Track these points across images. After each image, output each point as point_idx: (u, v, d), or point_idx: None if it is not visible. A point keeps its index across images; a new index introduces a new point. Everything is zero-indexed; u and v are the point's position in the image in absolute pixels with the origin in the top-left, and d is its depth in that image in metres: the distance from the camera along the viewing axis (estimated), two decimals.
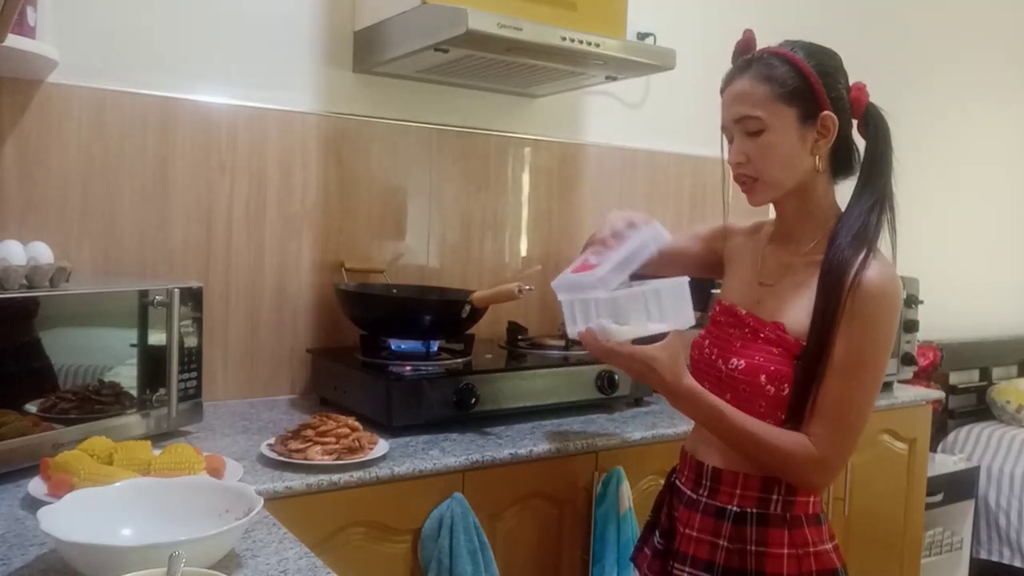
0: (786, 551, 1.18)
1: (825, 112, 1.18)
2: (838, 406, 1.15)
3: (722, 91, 1.26)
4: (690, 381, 1.15)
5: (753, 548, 1.19)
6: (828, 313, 1.15)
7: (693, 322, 1.14)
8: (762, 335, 1.22)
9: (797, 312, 1.20)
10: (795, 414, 1.17)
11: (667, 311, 1.12)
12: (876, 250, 1.18)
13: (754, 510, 1.21)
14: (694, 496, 1.27)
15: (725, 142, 1.27)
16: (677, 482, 1.34)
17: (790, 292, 1.23)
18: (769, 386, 1.18)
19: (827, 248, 1.20)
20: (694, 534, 1.25)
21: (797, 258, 1.25)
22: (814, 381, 1.15)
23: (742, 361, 1.21)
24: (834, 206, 1.27)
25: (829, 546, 1.23)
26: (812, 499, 1.22)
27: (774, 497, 1.20)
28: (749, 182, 1.22)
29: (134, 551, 0.90)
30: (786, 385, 1.17)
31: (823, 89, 1.18)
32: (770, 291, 1.26)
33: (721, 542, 1.21)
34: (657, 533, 1.34)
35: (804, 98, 1.18)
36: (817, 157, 1.21)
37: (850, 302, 1.14)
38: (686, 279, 1.14)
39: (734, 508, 1.22)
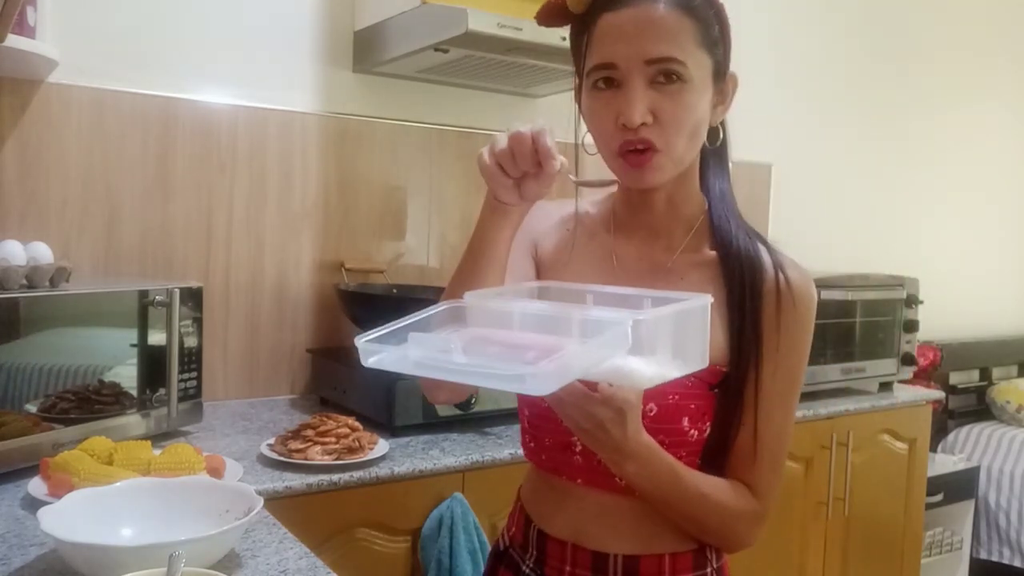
0: None
1: (732, 71, 0.94)
2: (776, 443, 0.92)
3: (582, 11, 0.91)
4: (647, 435, 0.84)
5: None
6: (755, 327, 0.91)
7: (707, 364, 0.82)
8: None
9: None
10: (713, 457, 0.93)
11: (688, 345, 0.79)
12: (773, 244, 0.96)
13: None
14: None
15: (587, 93, 0.91)
16: None
17: None
18: (692, 430, 0.90)
19: (722, 244, 0.94)
20: None
21: (674, 256, 0.96)
22: (739, 414, 0.91)
23: (652, 404, 0.88)
24: (700, 193, 0.99)
25: None
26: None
27: (708, 570, 0.96)
28: (648, 152, 0.87)
29: (134, 551, 0.90)
30: (707, 424, 0.92)
31: (730, 39, 0.92)
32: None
33: None
34: None
35: (718, 48, 0.91)
36: (719, 128, 0.95)
37: (780, 313, 0.91)
38: (710, 298, 0.81)
39: None
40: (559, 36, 1.77)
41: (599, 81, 0.89)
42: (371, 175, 2.09)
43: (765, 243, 0.95)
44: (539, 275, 1.02)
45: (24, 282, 1.32)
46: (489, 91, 2.24)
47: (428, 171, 2.18)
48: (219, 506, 1.06)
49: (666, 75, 0.86)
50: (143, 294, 1.49)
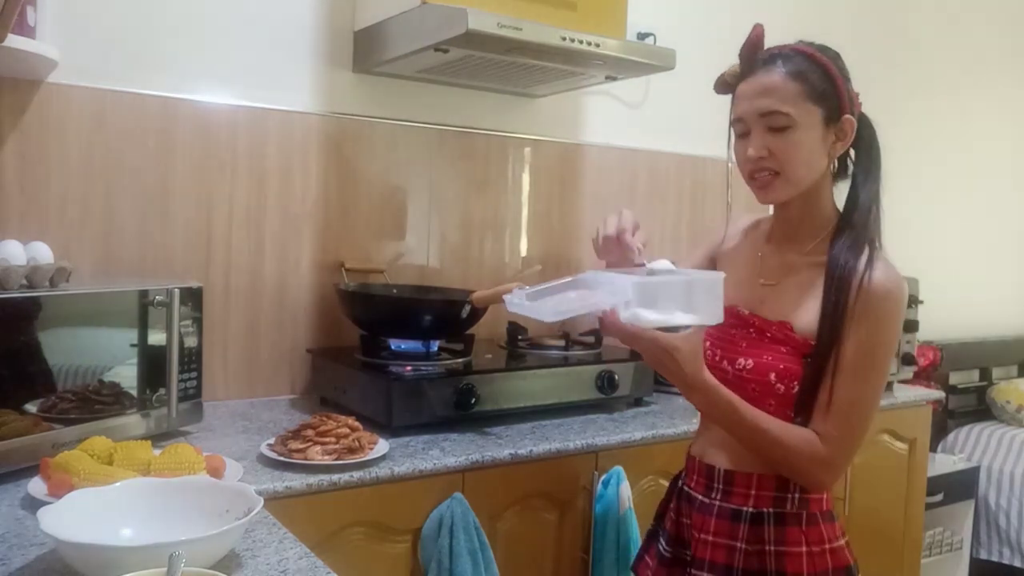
0: (804, 549, 1.19)
1: (847, 116, 1.21)
2: (847, 405, 1.16)
3: (734, 84, 1.25)
4: (707, 375, 1.14)
5: (772, 548, 1.20)
6: (837, 313, 1.16)
7: (722, 319, 1.11)
8: (768, 334, 1.23)
9: (803, 311, 1.21)
10: (803, 411, 1.19)
11: (698, 305, 1.09)
12: (879, 250, 1.20)
13: (771, 510, 1.21)
14: (707, 500, 1.27)
15: (731, 136, 1.26)
16: (686, 488, 1.33)
17: (794, 292, 1.24)
18: (779, 384, 1.19)
19: (830, 249, 1.21)
20: (710, 538, 1.24)
21: (799, 258, 1.26)
22: (823, 379, 1.17)
23: (750, 360, 1.22)
24: (834, 208, 1.28)
25: (843, 542, 1.24)
26: (825, 496, 1.24)
27: (790, 495, 1.22)
28: (768, 177, 1.21)
29: (134, 551, 0.91)
30: (795, 383, 1.19)
31: (846, 93, 1.21)
32: (773, 291, 1.27)
33: (739, 544, 1.22)
34: (663, 540, 1.34)
35: (829, 100, 1.19)
36: (835, 159, 1.24)
37: (858, 303, 1.15)
38: (722, 275, 1.12)
39: (750, 509, 1.22)
40: (559, 36, 1.78)
41: (736, 128, 1.24)
42: (371, 175, 2.09)
43: (872, 248, 1.20)
44: (719, 265, 1.39)
45: (24, 282, 1.32)
46: (489, 91, 2.24)
47: (428, 171, 2.18)
48: (219, 506, 1.06)
49: (776, 122, 1.18)
50: (143, 294, 1.49)
